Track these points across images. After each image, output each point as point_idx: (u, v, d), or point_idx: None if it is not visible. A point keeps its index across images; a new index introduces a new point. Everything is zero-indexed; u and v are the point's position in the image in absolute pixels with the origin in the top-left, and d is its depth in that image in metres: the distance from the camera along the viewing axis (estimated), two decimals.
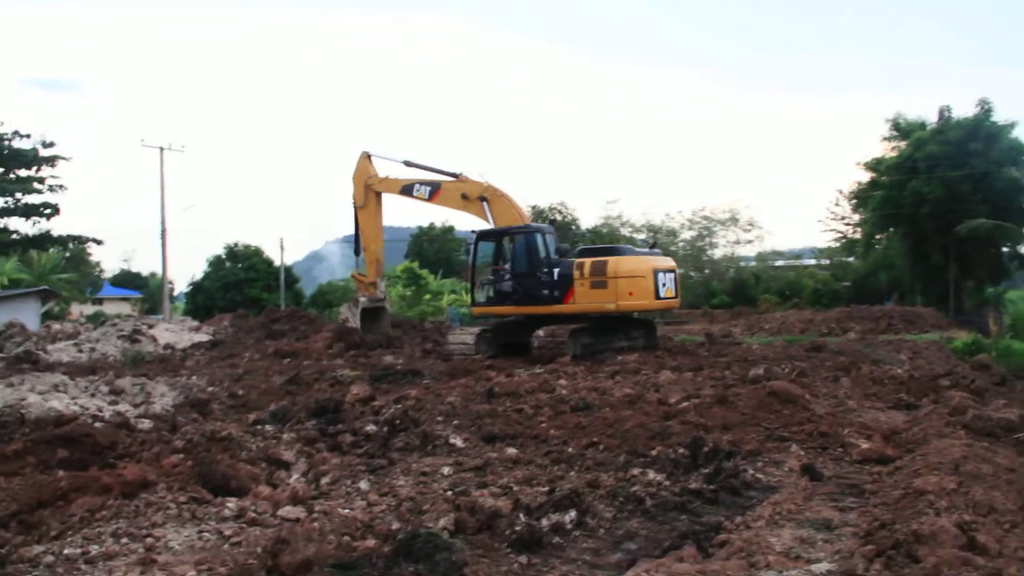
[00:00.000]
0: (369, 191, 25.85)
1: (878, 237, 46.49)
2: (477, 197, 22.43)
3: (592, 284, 19.48)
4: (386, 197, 26.15)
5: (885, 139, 44.30)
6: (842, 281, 52.54)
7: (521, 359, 18.98)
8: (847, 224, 52.66)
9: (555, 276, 20.12)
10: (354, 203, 26.31)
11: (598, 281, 19.39)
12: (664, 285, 20.09)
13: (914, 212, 38.94)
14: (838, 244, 54.09)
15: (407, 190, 24.75)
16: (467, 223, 23.27)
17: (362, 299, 25.87)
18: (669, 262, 21.24)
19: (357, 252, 26.92)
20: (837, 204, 52.71)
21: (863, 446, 8.47)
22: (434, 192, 23.95)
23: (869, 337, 24.53)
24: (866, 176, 45.30)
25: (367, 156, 26.10)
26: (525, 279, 20.64)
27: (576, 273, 19.78)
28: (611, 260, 19.66)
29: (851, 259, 53.61)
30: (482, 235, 22.00)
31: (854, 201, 49.05)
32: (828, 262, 57.09)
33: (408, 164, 24.76)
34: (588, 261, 19.90)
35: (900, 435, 9.14)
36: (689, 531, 5.90)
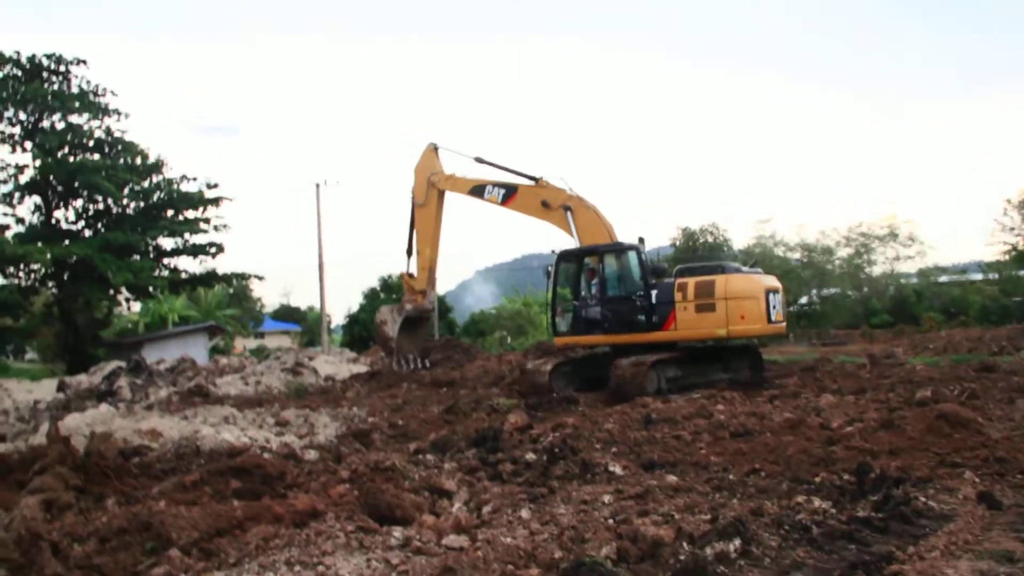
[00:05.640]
0: (432, 188, 23.96)
1: None
2: (560, 206, 20.31)
3: (697, 308, 17.49)
4: (451, 198, 24.22)
5: None
6: (1013, 296, 49.95)
7: (601, 395, 17.02)
8: (1017, 235, 50.16)
9: (652, 299, 18.07)
10: (412, 199, 24.55)
11: (704, 304, 17.42)
12: (774, 307, 17.94)
13: None
14: (1007, 257, 51.50)
15: (478, 191, 22.67)
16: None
17: (408, 306, 24.51)
18: (776, 282, 19.03)
19: (409, 252, 25.09)
20: (1005, 214, 50.30)
21: None
22: (509, 196, 21.78)
23: None
24: None
25: (434, 149, 24.35)
26: (617, 304, 18.61)
27: (678, 295, 17.74)
28: (719, 280, 17.56)
29: (1022, 272, 50.94)
30: (564, 255, 19.74)
31: None
32: (997, 276, 54.37)
33: (480, 161, 22.77)
34: (691, 281, 17.79)
35: None
36: (858, 561, 5.71)
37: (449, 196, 24.41)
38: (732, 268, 18.49)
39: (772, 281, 18.78)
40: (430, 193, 24.12)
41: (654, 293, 18.15)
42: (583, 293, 19.56)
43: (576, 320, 19.41)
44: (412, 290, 24.91)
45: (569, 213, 20.15)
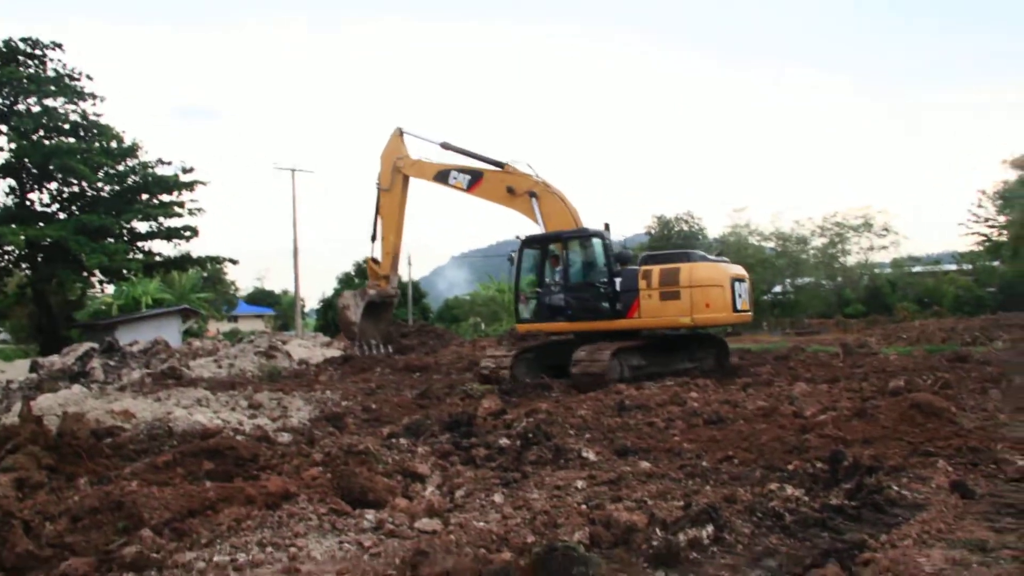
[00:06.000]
0: (397, 174, 23.95)
1: None
2: (525, 192, 20.03)
3: (662, 296, 17.20)
4: (415, 184, 24.20)
5: None
6: (987, 287, 50.42)
7: (563, 383, 16.65)
8: (991, 226, 50.62)
9: (616, 287, 17.77)
10: (378, 184, 24.58)
11: (669, 292, 17.13)
12: (740, 296, 17.86)
13: None
14: (982, 248, 51.97)
15: (442, 176, 22.41)
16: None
17: (371, 292, 24.57)
18: (743, 271, 18.92)
19: (373, 238, 25.08)
20: (980, 205, 50.74)
21: (1020, 463, 8.00)
22: (474, 182, 21.53)
23: (1020, 346, 23.42)
24: (1013, 174, 43.56)
25: (400, 134, 24.26)
26: (581, 291, 18.26)
27: (642, 283, 17.45)
28: (684, 267, 17.27)
29: (996, 263, 51.42)
30: (528, 241, 19.37)
31: (999, 202, 47.20)
32: (971, 267, 54.87)
33: (446, 147, 22.62)
34: (656, 269, 17.52)
35: None
36: (831, 548, 5.70)
37: (418, 183, 24.29)
38: (698, 256, 18.22)
39: (738, 270, 18.63)
40: (395, 178, 24.08)
41: (618, 280, 17.87)
42: (547, 280, 19.22)
43: (540, 307, 19.08)
44: (376, 275, 24.94)
45: (534, 199, 19.85)
